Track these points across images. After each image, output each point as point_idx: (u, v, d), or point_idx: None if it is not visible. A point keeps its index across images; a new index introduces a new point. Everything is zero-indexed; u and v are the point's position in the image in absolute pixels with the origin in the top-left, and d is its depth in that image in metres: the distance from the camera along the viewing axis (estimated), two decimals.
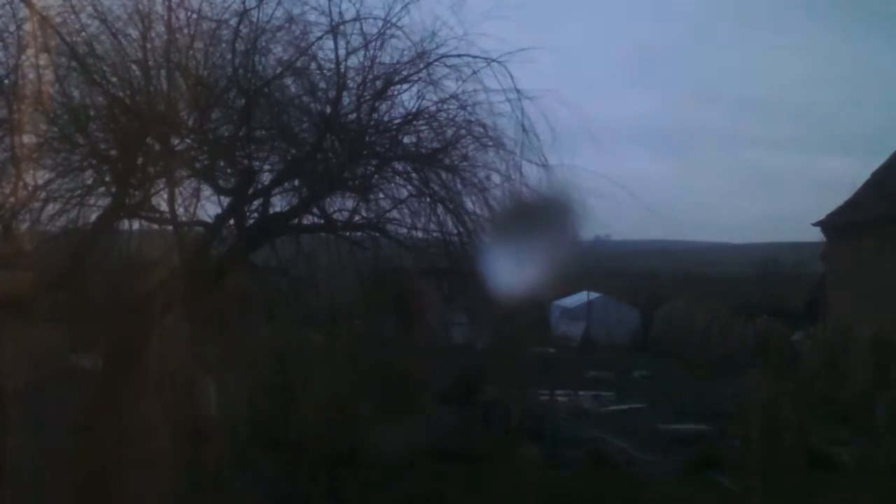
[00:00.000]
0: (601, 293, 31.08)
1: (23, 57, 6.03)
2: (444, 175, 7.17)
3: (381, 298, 9.96)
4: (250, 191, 7.10)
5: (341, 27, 6.71)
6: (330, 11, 6.69)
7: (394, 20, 6.74)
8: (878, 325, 15.57)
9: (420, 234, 7.58)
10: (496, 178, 7.27)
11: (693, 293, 30.18)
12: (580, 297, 30.64)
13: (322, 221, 7.33)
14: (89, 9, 6.19)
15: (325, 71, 6.90)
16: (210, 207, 7.10)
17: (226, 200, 7.10)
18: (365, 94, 6.87)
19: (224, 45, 6.58)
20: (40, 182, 6.44)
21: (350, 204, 7.31)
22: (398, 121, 7.20)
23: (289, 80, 6.91)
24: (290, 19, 6.74)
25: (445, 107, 7.15)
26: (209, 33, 6.50)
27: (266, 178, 7.22)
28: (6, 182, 6.13)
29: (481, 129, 7.13)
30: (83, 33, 6.16)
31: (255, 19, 6.61)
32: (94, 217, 6.86)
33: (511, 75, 6.83)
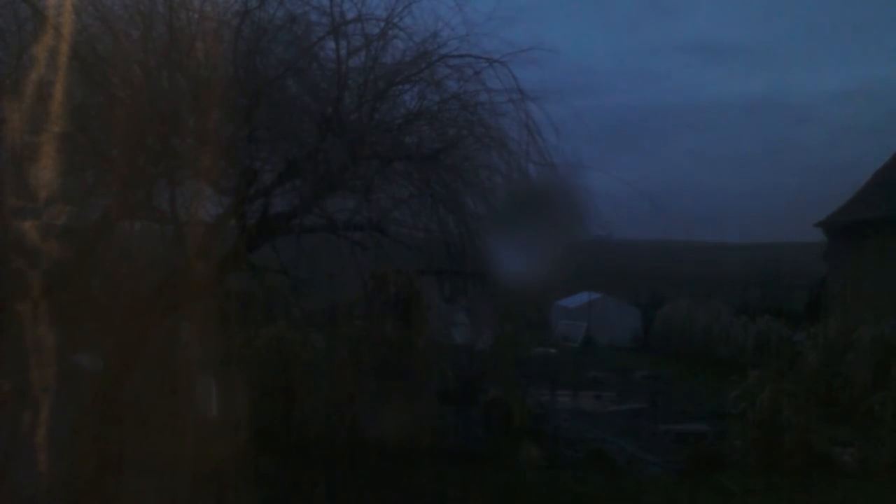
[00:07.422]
0: (602, 293, 31.10)
1: (24, 57, 6.03)
2: (445, 175, 7.18)
3: (381, 299, 9.97)
4: (251, 191, 7.10)
5: (343, 27, 6.72)
6: (331, 12, 6.71)
7: (395, 20, 6.76)
8: (879, 326, 15.57)
9: (421, 235, 7.59)
10: (498, 179, 7.28)
11: (694, 293, 30.18)
12: (581, 298, 30.67)
13: (323, 221, 7.33)
14: (90, 9, 6.19)
15: (326, 71, 6.90)
16: (211, 207, 7.12)
17: (227, 200, 7.11)
18: (366, 94, 6.87)
19: (225, 45, 6.58)
20: (41, 182, 6.43)
21: (351, 204, 7.31)
22: (399, 121, 7.21)
23: (290, 81, 6.92)
24: (292, 19, 6.75)
25: (447, 107, 7.16)
26: (210, 33, 6.50)
27: (267, 178, 7.22)
28: (7, 182, 6.12)
29: (483, 130, 7.15)
30: (84, 33, 6.16)
31: (256, 19, 6.62)
32: (95, 217, 6.86)
33: (514, 76, 6.86)
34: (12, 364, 5.92)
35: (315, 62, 6.89)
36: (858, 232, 20.71)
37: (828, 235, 22.43)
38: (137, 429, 7.09)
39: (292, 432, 9.88)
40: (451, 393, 12.85)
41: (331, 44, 6.78)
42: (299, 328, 10.59)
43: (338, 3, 6.68)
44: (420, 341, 10.52)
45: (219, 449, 7.29)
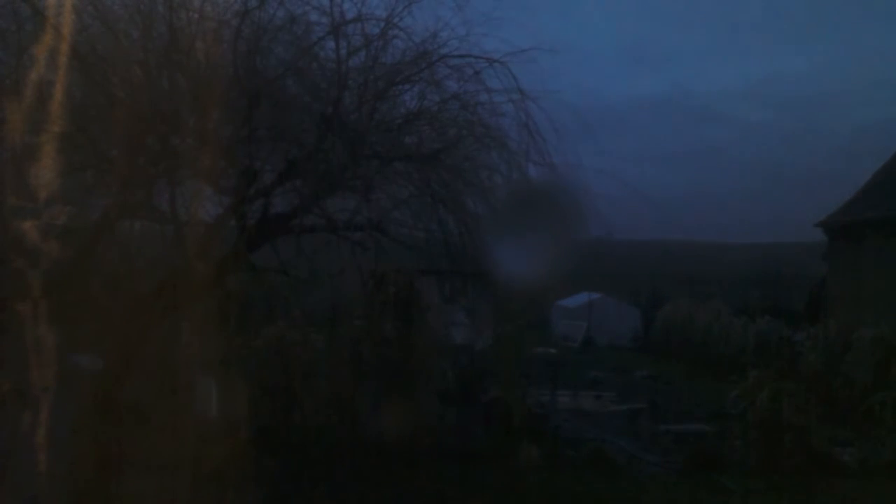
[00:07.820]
0: (602, 293, 31.11)
1: (24, 57, 6.03)
2: (445, 175, 7.18)
3: (381, 299, 9.97)
4: (251, 191, 7.10)
5: (343, 27, 6.71)
6: (331, 12, 6.71)
7: (395, 21, 6.76)
8: (879, 326, 15.57)
9: (421, 235, 7.59)
10: (498, 179, 7.29)
11: (694, 293, 30.18)
12: (581, 298, 30.68)
13: (323, 221, 7.33)
14: (90, 9, 6.19)
15: (326, 71, 6.90)
16: (211, 207, 7.12)
17: (227, 200, 7.11)
18: (366, 94, 6.87)
19: (225, 45, 6.58)
20: (41, 182, 6.43)
21: (351, 204, 7.32)
22: (399, 121, 7.21)
23: (290, 81, 6.92)
24: (292, 19, 6.75)
25: (447, 107, 7.17)
26: (210, 33, 6.50)
27: (267, 178, 7.22)
28: (7, 182, 6.12)
29: (483, 130, 7.15)
30: (84, 33, 6.16)
31: (256, 19, 6.62)
32: (95, 217, 6.87)
33: (514, 76, 6.86)
34: (12, 364, 5.92)
35: (315, 62, 6.89)
36: (858, 232, 20.70)
37: (828, 235, 22.43)
38: (137, 429, 7.09)
39: (292, 432, 9.87)
40: (451, 393, 12.85)
41: (331, 44, 6.78)
42: (299, 328, 10.58)
43: (338, 3, 6.69)
44: (420, 341, 10.52)
45: (219, 449, 7.29)
